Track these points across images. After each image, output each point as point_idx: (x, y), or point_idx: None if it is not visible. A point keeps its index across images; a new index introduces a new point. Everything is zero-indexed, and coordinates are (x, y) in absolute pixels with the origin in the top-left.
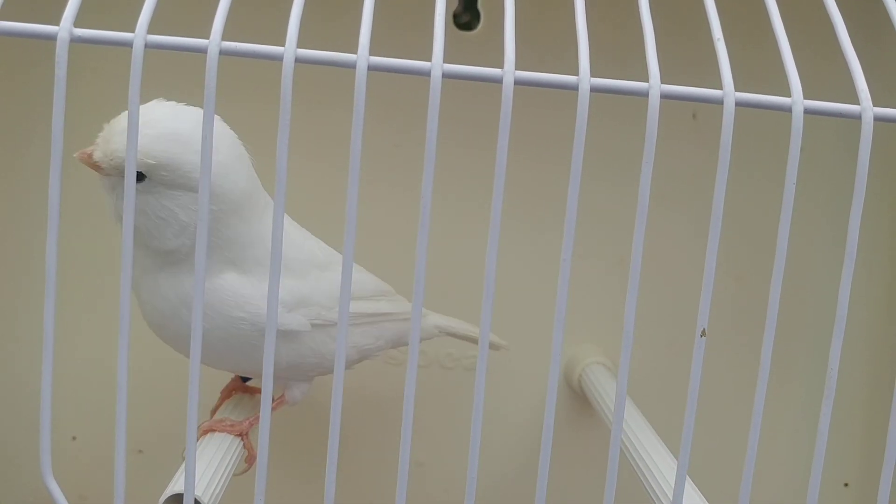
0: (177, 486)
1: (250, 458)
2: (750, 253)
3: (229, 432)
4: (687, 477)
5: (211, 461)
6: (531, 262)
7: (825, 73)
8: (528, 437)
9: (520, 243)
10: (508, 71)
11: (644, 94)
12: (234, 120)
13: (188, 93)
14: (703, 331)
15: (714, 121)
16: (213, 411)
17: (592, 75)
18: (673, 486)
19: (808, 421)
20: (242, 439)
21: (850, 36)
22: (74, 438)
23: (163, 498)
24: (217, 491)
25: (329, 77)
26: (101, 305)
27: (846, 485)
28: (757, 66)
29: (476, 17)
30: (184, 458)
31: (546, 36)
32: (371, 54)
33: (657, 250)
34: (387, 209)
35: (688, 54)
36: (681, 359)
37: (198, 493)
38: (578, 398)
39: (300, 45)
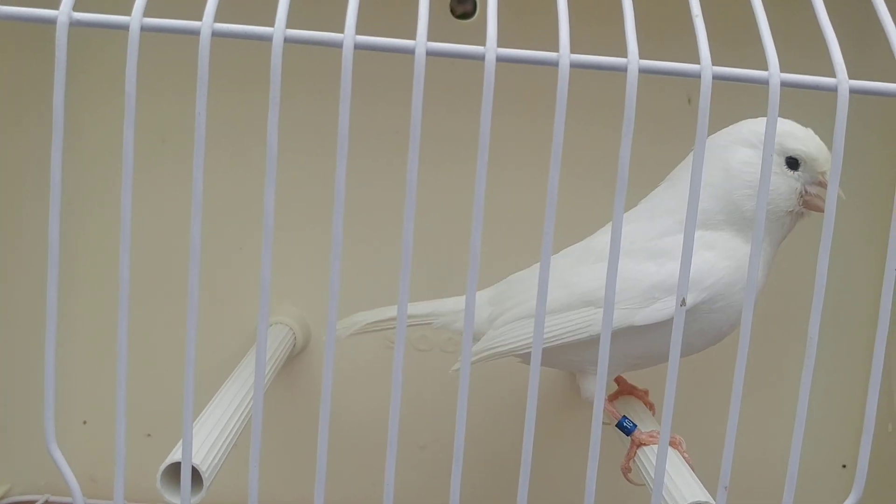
0: (175, 455)
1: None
2: None
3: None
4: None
5: (210, 433)
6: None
7: (804, 50)
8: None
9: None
10: (490, 48)
11: (623, 70)
12: (227, 104)
13: (185, 77)
14: (683, 300)
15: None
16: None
17: (577, 51)
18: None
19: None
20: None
21: (827, 10)
22: (85, 422)
23: (162, 467)
24: (216, 462)
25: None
26: (112, 294)
27: (844, 466)
28: (739, 45)
29: (473, 6)
30: None
31: (535, 15)
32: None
33: None
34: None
35: (672, 32)
36: None
37: (196, 461)
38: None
39: (290, 27)
